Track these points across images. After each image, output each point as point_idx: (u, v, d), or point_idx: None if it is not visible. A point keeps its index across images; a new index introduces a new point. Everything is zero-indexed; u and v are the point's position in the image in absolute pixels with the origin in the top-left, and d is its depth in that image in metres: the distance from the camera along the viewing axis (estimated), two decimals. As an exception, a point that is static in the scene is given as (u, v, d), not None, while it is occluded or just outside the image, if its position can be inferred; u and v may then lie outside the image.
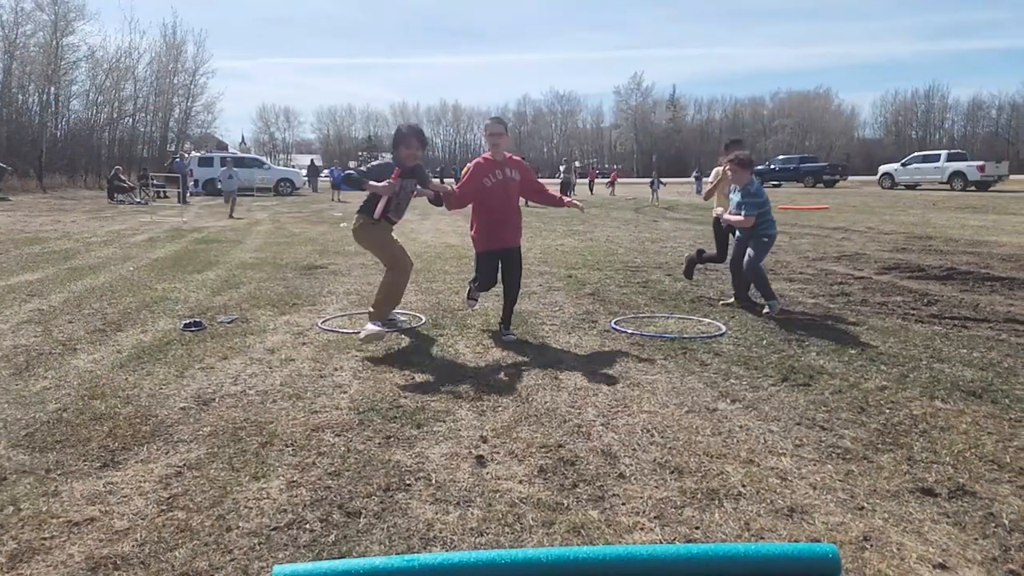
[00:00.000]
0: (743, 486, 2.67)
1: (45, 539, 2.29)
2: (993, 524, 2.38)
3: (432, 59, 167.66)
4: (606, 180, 38.58)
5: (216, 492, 2.60)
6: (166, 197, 28.10)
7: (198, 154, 33.85)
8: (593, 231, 13.89)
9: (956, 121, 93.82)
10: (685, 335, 5.05)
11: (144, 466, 2.84)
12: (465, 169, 5.07)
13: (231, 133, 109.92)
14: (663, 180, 29.50)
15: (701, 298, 6.49)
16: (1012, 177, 36.56)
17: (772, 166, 43.31)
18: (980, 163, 31.86)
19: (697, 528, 2.37)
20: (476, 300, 5.34)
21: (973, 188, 30.66)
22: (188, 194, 25.21)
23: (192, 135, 51.60)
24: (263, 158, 43.28)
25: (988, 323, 5.42)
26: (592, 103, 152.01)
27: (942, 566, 2.13)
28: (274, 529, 2.34)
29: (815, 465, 2.86)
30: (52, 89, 39.44)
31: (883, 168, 36.73)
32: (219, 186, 21.57)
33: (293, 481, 2.69)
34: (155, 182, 28.47)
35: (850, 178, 41.23)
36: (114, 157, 39.31)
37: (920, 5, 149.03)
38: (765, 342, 4.84)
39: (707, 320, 5.53)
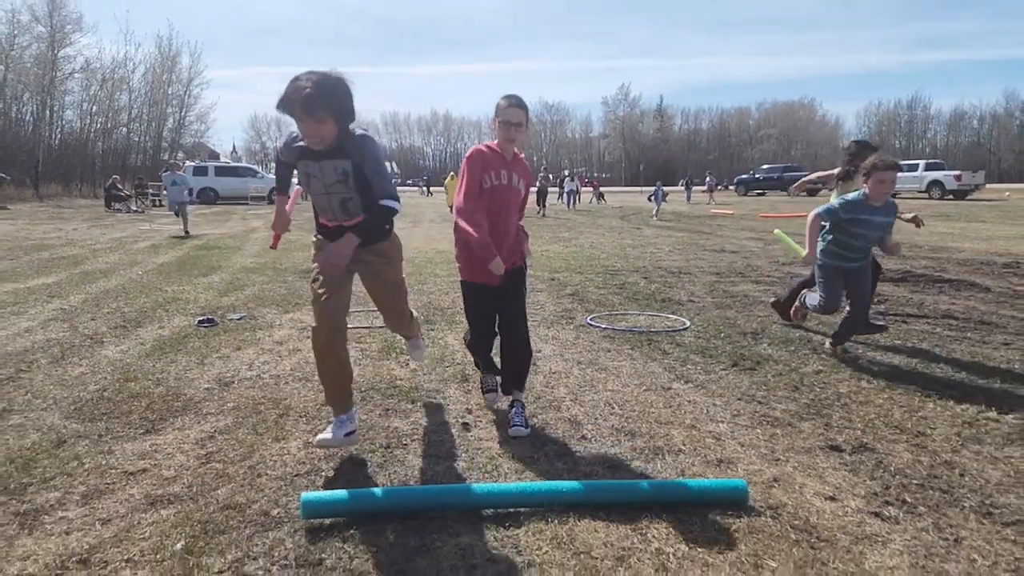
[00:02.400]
0: (683, 445, 3.21)
1: (108, 484, 2.81)
2: (881, 470, 2.94)
3: (422, 69, 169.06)
4: (589, 188, 39.13)
5: (245, 450, 3.12)
6: (162, 206, 28.50)
7: (192, 163, 34.23)
8: (578, 238, 14.47)
9: (939, 131, 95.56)
10: (652, 329, 5.61)
11: (181, 432, 3.36)
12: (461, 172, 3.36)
13: (223, 142, 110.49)
14: (667, 191, 25.82)
15: (671, 299, 7.04)
16: (988, 186, 37.46)
17: (756, 175, 44.21)
18: (957, 172, 32.75)
19: (642, 475, 2.90)
20: (494, 389, 3.71)
21: (951, 197, 31.50)
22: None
23: (185, 144, 52.03)
24: (256, 167, 43.73)
25: (927, 319, 6.00)
26: (581, 113, 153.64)
27: (832, 498, 2.68)
28: (296, 475, 2.87)
29: (746, 430, 3.41)
30: (48, 100, 39.85)
31: (863, 177, 37.55)
32: (163, 193, 18.77)
33: (308, 442, 3.22)
34: (151, 191, 28.89)
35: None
36: (108, 166, 39.75)
37: (902, 17, 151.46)
38: (723, 335, 5.40)
39: (674, 316, 6.09)
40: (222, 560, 2.23)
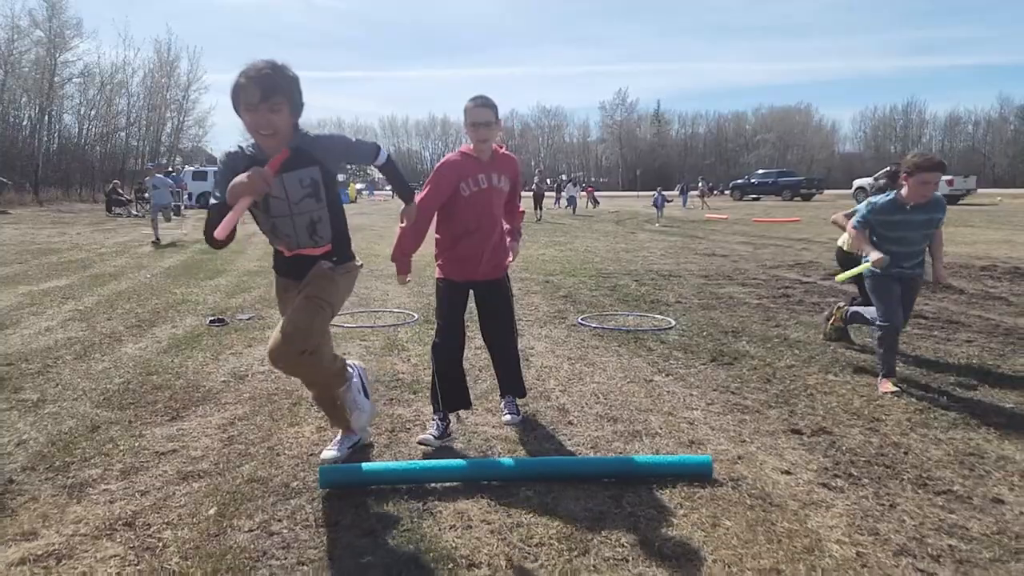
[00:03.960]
0: (660, 429, 3.55)
1: (143, 462, 3.14)
2: (834, 449, 3.28)
3: (421, 72, 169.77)
4: (583, 194, 39.51)
5: (263, 434, 3.46)
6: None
7: (191, 168, 34.57)
8: (573, 242, 14.83)
9: (934, 136, 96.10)
10: (639, 328, 5.95)
11: (203, 419, 3.69)
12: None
13: (221, 146, 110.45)
14: (668, 196, 26.00)
15: (659, 300, 7.39)
16: (981, 191, 37.94)
17: (752, 180, 44.61)
18: (949, 178, 33.15)
19: (621, 453, 3.24)
20: (441, 429, 3.36)
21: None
22: (183, 207, 25.98)
23: (184, 149, 52.37)
24: (254, 172, 44.04)
25: (899, 318, 6.35)
26: (578, 118, 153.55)
27: (787, 472, 3.02)
28: (311, 455, 3.20)
29: (718, 416, 3.75)
30: (47, 105, 40.15)
31: (857, 182, 37.90)
32: (145, 196, 18.65)
33: (321, 427, 3.55)
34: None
35: (826, 192, 42.59)
36: (107, 171, 40.03)
37: (897, 22, 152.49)
38: (705, 334, 5.74)
39: (660, 316, 6.44)
40: (251, 522, 2.56)
